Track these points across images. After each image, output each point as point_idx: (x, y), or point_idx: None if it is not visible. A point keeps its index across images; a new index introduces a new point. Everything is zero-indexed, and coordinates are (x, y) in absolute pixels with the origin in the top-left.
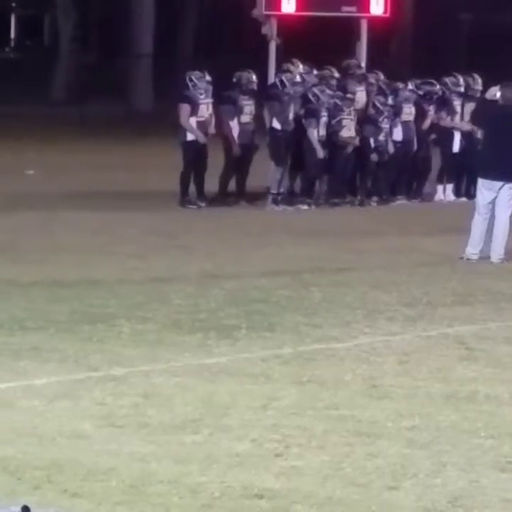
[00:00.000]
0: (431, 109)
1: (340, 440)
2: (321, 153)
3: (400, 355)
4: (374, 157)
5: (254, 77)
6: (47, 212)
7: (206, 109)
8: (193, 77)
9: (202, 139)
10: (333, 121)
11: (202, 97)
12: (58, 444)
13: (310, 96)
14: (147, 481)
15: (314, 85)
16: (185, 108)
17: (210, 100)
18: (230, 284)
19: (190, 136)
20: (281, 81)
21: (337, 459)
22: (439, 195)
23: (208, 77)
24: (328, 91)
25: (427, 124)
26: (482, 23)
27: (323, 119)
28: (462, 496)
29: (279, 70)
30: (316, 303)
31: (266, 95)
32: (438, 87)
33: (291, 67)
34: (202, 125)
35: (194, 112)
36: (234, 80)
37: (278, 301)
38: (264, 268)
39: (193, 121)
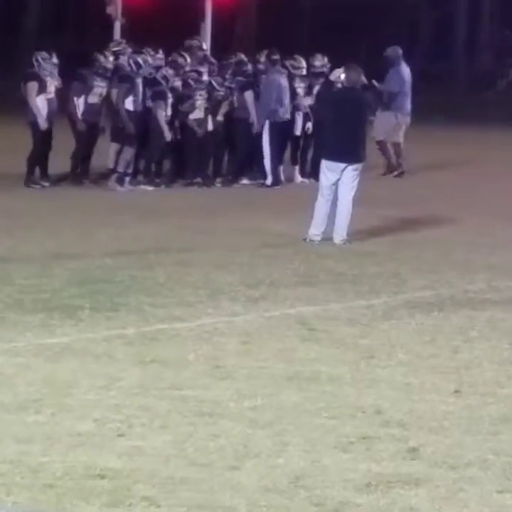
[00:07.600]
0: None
1: (183, 420)
2: (168, 135)
3: (242, 335)
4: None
5: (110, 59)
6: None
7: (52, 89)
8: (39, 58)
9: (43, 124)
10: (187, 104)
11: (47, 78)
12: None
13: (158, 78)
14: None
15: (160, 67)
16: (32, 86)
17: (55, 82)
18: (73, 264)
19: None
20: (137, 62)
21: (179, 438)
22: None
23: (54, 60)
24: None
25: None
26: (325, 5)
27: (170, 101)
28: (304, 476)
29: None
30: (160, 283)
31: (118, 77)
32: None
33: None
34: (51, 102)
35: (42, 89)
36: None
37: (122, 281)
38: (108, 248)
39: (42, 98)
